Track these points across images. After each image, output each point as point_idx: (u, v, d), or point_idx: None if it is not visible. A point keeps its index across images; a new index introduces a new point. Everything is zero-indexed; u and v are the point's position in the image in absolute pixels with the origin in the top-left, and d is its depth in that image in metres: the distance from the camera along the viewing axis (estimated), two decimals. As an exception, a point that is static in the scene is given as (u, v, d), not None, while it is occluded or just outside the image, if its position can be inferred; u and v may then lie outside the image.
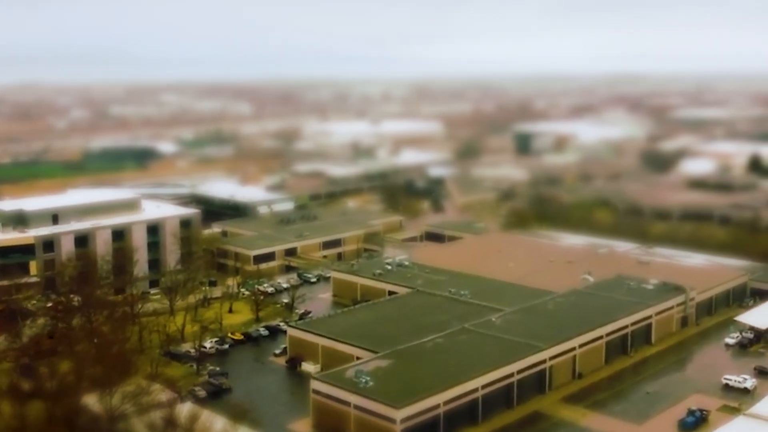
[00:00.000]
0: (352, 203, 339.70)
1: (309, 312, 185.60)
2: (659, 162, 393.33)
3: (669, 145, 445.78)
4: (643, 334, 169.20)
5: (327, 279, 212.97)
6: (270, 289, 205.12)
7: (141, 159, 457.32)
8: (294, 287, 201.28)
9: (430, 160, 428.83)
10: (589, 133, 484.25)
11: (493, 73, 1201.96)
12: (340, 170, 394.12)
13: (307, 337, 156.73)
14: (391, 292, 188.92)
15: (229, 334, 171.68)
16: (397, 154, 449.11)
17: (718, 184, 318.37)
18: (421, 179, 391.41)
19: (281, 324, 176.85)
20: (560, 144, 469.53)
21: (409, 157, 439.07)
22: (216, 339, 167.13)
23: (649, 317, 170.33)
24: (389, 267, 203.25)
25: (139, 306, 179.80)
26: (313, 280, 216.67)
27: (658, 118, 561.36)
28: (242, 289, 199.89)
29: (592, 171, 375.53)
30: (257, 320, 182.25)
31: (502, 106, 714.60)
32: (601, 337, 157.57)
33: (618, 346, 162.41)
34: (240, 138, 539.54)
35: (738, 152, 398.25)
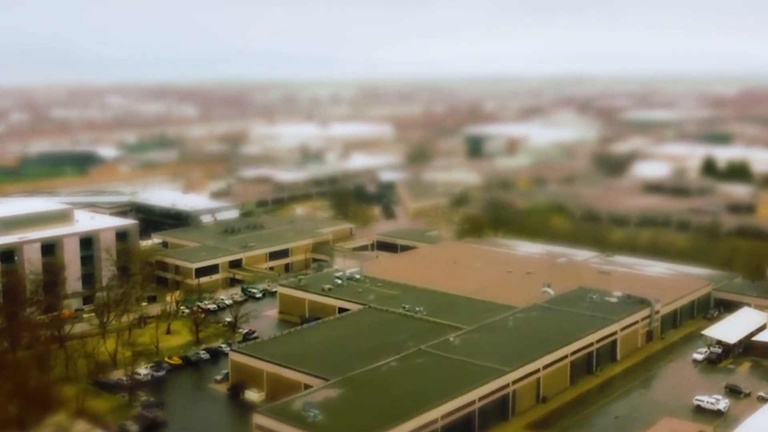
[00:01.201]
0: (300, 210, 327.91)
1: (253, 331, 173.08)
2: (612, 165, 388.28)
3: (620, 147, 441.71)
4: (608, 351, 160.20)
5: (273, 294, 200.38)
6: (212, 307, 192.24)
7: (81, 164, 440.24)
8: (237, 304, 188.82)
9: (381, 164, 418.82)
10: (541, 135, 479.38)
11: (442, 75, 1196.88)
12: (287, 175, 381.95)
13: (251, 362, 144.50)
14: (341, 309, 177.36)
15: (166, 359, 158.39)
16: (346, 157, 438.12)
17: (675, 188, 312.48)
18: (371, 184, 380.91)
19: (223, 346, 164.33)
20: (512, 147, 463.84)
21: (359, 161, 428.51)
22: (151, 365, 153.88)
23: (614, 333, 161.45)
24: (339, 281, 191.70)
25: (69, 328, 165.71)
26: (259, 295, 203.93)
27: (607, 119, 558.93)
28: (182, 307, 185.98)
29: (545, 174, 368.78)
30: (197, 342, 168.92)
31: (452, 107, 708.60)
32: (565, 357, 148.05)
33: (583, 366, 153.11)
34: (185, 142, 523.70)
35: (690, 155, 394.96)
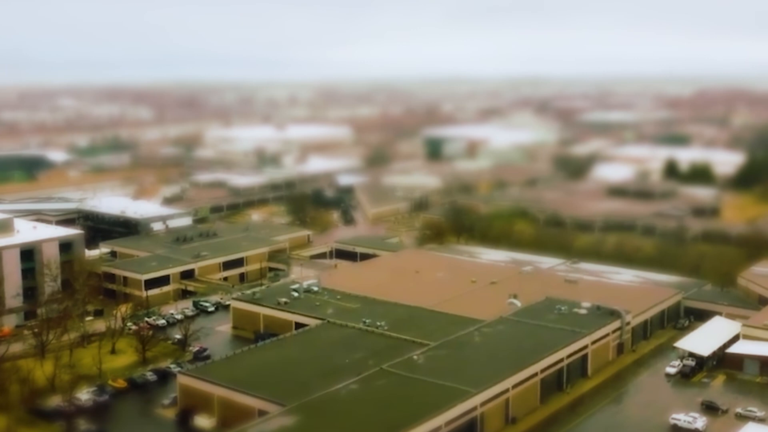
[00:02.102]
0: (256, 216, 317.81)
1: (205, 349, 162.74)
2: (573, 167, 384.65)
3: (580, 149, 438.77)
4: (578, 367, 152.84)
5: (227, 307, 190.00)
6: (161, 322, 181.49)
7: (30, 169, 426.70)
8: (188, 319, 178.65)
9: (339, 168, 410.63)
10: (500, 137, 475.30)
11: (400, 76, 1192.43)
12: (243, 180, 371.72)
13: (201, 386, 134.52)
14: (298, 324, 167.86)
15: (110, 382, 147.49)
16: (304, 161, 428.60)
17: (638, 192, 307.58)
18: (329, 188, 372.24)
19: (172, 366, 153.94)
20: (472, 149, 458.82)
21: (316, 165, 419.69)
22: (93, 388, 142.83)
23: (585, 347, 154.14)
24: (296, 294, 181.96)
25: (5, 348, 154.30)
26: (211, 309, 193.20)
27: (566, 121, 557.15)
28: (128, 324, 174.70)
29: (506, 177, 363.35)
30: (144, 362, 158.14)
31: (409, 109, 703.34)
32: (535, 375, 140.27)
33: (553, 383, 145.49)
34: (138, 145, 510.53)
35: (651, 156, 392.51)
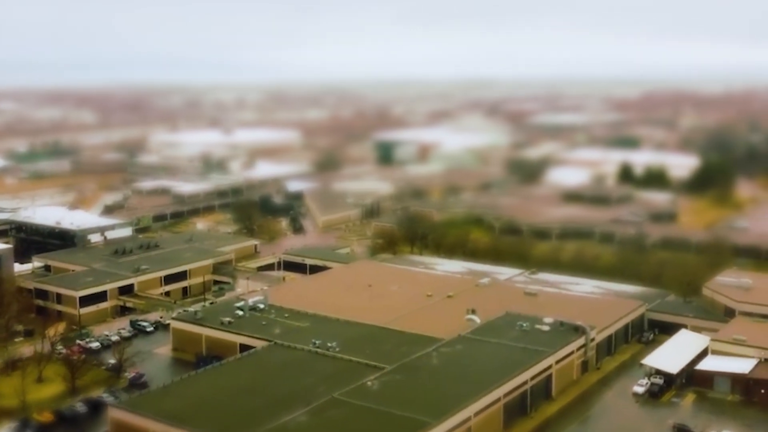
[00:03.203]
0: (201, 224, 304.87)
1: (141, 375, 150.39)
2: (526, 170, 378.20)
3: (533, 152, 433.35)
4: (543, 388, 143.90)
5: (167, 326, 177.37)
6: (94, 345, 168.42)
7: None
8: (124, 341, 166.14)
9: (288, 173, 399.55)
10: (452, 140, 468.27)
11: (350, 78, 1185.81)
12: (188, 186, 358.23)
13: (135, 420, 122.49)
14: (243, 347, 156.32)
15: (35, 415, 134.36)
16: (251, 166, 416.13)
17: (595, 197, 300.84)
18: (278, 195, 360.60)
19: (105, 396, 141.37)
20: (423, 153, 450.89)
21: (264, 170, 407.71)
22: (16, 423, 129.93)
23: (550, 367, 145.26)
24: (241, 312, 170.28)
25: None
26: (150, 329, 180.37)
27: (517, 123, 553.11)
28: (58, 347, 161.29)
29: (459, 182, 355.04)
30: (74, 392, 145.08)
31: (360, 112, 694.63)
32: (498, 400, 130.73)
33: (517, 407, 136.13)
34: (80, 150, 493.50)
35: (604, 160, 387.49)
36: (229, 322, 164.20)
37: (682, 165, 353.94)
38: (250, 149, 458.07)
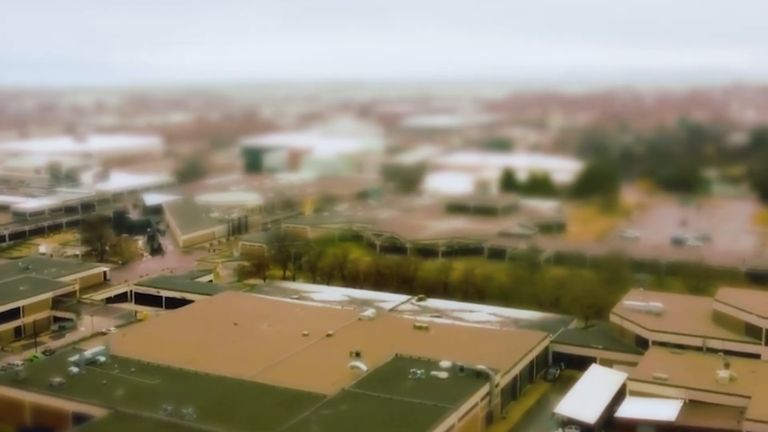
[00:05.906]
0: (44, 247, 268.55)
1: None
2: (403, 177, 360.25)
3: (409, 157, 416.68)
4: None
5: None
6: None
7: None
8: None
9: (146, 184, 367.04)
10: (324, 145, 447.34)
11: (216, 80, 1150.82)
12: (31, 202, 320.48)
13: None
14: (78, 416, 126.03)
15: None
16: (105, 177, 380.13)
17: (479, 208, 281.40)
18: (134, 209, 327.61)
19: None
20: (294, 159, 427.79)
21: (120, 181, 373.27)
22: None
23: (452, 427, 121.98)
24: (76, 369, 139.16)
25: None
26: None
27: (390, 126, 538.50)
28: None
29: (333, 190, 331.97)
30: None
31: (226, 115, 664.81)
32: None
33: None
34: None
35: (482, 164, 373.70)
36: (60, 384, 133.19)
37: (563, 169, 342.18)
38: (105, 158, 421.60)
